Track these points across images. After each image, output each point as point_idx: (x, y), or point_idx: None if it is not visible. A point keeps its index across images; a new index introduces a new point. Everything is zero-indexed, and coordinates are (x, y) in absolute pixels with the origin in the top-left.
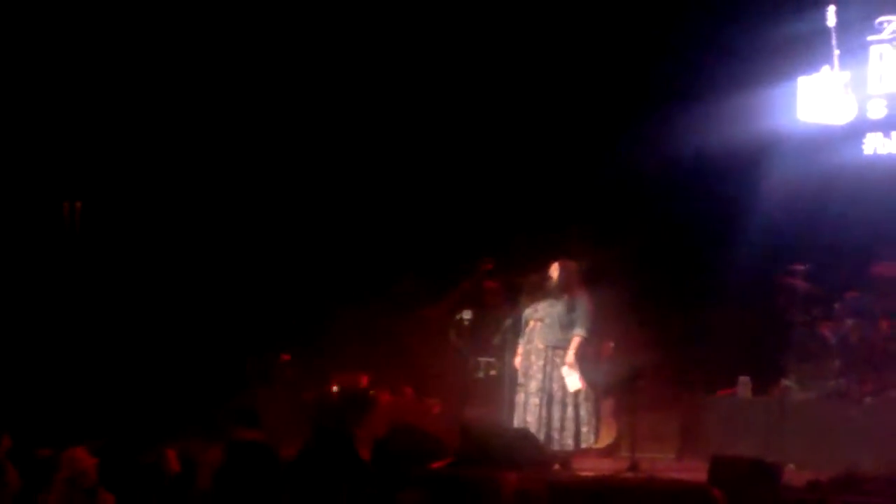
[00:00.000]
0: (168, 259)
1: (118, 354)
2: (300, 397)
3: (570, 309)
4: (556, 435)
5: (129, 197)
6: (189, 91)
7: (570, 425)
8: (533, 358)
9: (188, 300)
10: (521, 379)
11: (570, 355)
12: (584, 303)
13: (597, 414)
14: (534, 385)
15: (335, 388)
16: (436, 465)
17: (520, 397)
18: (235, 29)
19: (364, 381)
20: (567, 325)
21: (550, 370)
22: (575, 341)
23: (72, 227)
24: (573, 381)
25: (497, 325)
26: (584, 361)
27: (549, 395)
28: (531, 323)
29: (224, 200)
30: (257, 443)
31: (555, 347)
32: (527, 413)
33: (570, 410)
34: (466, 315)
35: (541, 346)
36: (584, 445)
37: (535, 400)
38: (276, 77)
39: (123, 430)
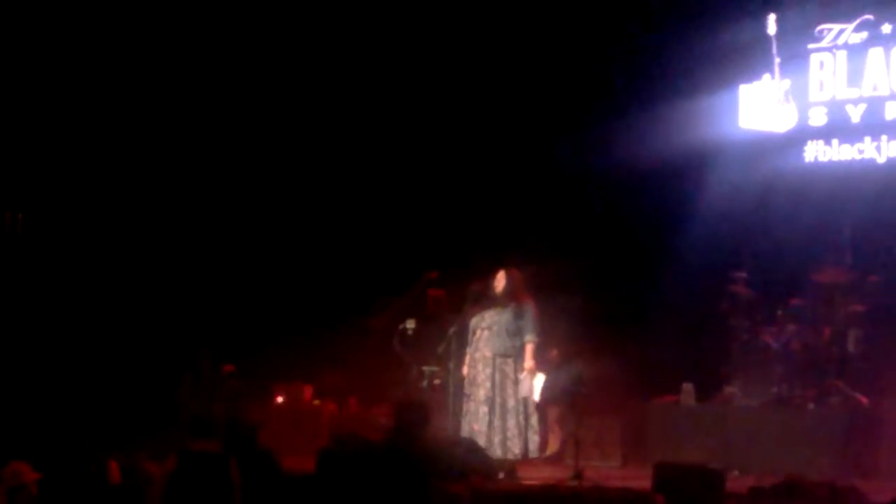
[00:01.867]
0: (110, 269)
1: (60, 366)
2: (244, 409)
3: (518, 316)
4: (505, 443)
5: (71, 208)
6: (131, 100)
7: (517, 433)
8: (480, 366)
9: (129, 311)
10: (467, 388)
11: (529, 362)
12: (530, 310)
13: (544, 424)
14: (482, 393)
15: (279, 399)
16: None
17: (468, 406)
18: (189, 28)
19: (308, 392)
20: (514, 333)
21: (499, 379)
22: (529, 348)
23: (13, 237)
24: (525, 387)
25: (441, 335)
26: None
27: (498, 404)
28: (478, 332)
29: (165, 212)
30: (211, 453)
31: (503, 356)
32: (474, 422)
33: (520, 419)
34: (410, 324)
35: (488, 354)
36: (531, 455)
37: (483, 408)
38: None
39: (66, 443)
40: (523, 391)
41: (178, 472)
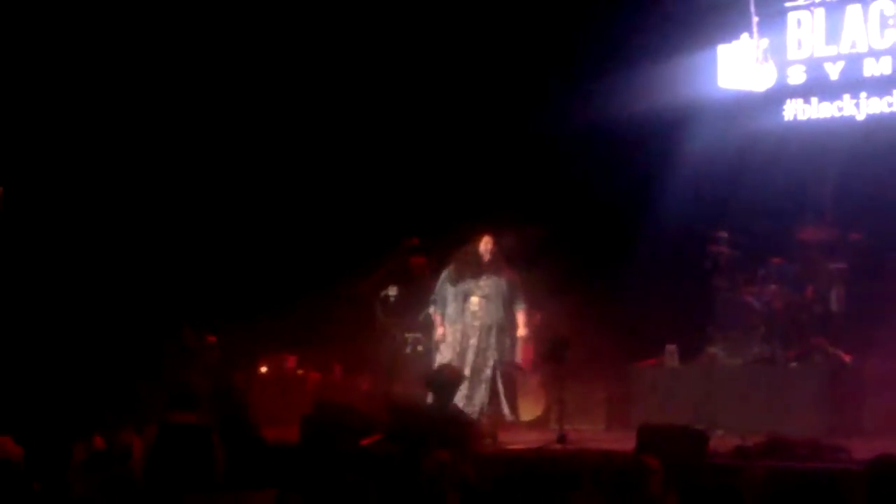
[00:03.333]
0: (92, 242)
1: (42, 340)
2: (227, 379)
3: (510, 285)
4: (484, 407)
5: (53, 181)
6: (111, 77)
7: (489, 400)
8: (465, 331)
9: (111, 284)
10: (449, 354)
11: (523, 329)
12: (517, 277)
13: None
14: (464, 360)
15: (263, 369)
16: (365, 441)
17: None
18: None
19: (292, 361)
20: (508, 302)
21: (483, 346)
22: (522, 315)
23: None
24: (518, 353)
25: (423, 301)
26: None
27: (478, 370)
28: (475, 299)
29: (147, 185)
30: (191, 425)
31: (499, 324)
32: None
33: (494, 385)
34: (392, 291)
35: (477, 323)
36: (508, 419)
37: (470, 374)
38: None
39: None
40: (515, 356)
41: (158, 444)
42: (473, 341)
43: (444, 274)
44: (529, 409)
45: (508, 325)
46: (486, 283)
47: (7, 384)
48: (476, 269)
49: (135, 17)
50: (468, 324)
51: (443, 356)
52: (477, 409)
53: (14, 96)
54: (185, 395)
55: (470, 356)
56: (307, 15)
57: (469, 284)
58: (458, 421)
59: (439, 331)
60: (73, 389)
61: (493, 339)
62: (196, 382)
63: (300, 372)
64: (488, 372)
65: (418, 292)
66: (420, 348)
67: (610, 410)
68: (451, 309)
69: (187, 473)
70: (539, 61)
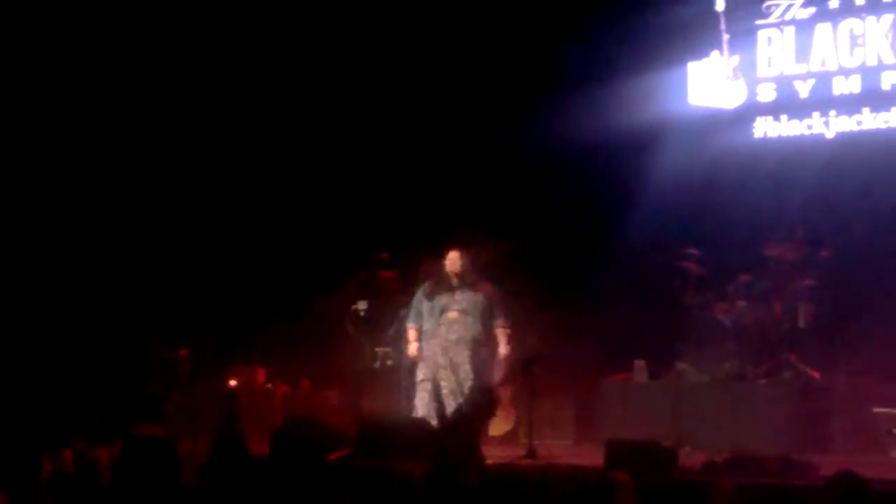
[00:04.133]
0: (64, 256)
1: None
2: (197, 392)
3: (485, 301)
4: (453, 422)
5: (25, 192)
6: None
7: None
8: (443, 348)
9: (83, 297)
10: (420, 368)
11: (504, 348)
12: (495, 292)
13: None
14: (430, 374)
15: (232, 383)
16: (334, 456)
17: (416, 385)
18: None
19: (261, 374)
20: (477, 319)
21: (451, 362)
22: (503, 334)
23: None
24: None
25: (393, 315)
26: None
27: (447, 385)
28: (452, 314)
29: (120, 198)
30: (156, 438)
31: (474, 339)
32: (422, 401)
33: (462, 398)
34: (362, 306)
35: (454, 337)
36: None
37: (431, 388)
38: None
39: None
40: (495, 376)
41: (123, 457)
42: (452, 356)
43: (420, 289)
44: (499, 424)
45: (484, 341)
46: (463, 297)
47: None
48: (450, 283)
49: (131, 17)
50: (445, 338)
51: (423, 373)
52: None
53: None
54: (152, 408)
55: (449, 373)
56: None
57: (445, 299)
58: (427, 435)
59: (412, 346)
60: (44, 402)
61: (468, 353)
62: (165, 395)
63: (269, 385)
64: (456, 386)
65: (388, 307)
66: (389, 362)
67: (579, 425)
68: (427, 324)
69: (153, 486)
70: (510, 79)
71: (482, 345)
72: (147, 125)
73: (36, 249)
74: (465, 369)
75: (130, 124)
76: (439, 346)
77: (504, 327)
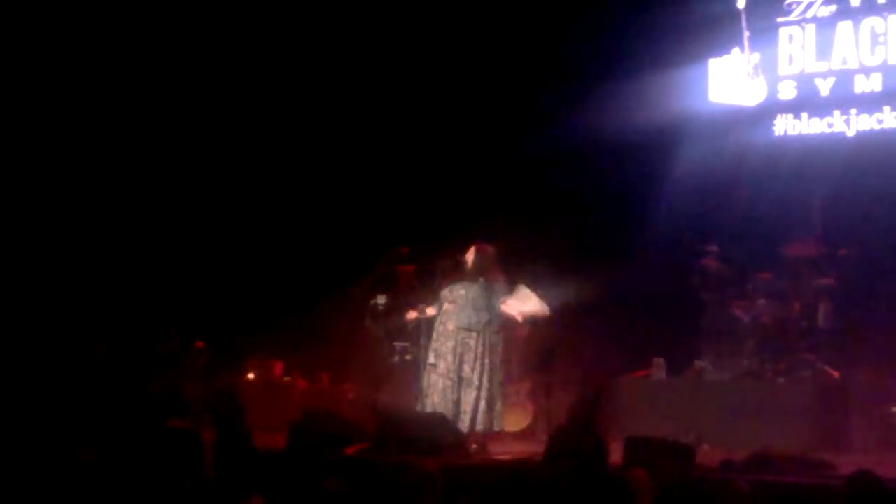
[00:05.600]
0: (81, 246)
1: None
2: (215, 385)
3: (487, 291)
4: (463, 417)
5: (43, 184)
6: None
7: (476, 407)
8: (443, 339)
9: (99, 286)
10: (431, 359)
11: (520, 316)
12: (501, 285)
13: (500, 399)
14: (442, 366)
15: (250, 376)
16: (351, 449)
17: (430, 378)
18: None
19: (279, 368)
20: (481, 308)
21: (461, 352)
22: (506, 309)
23: None
24: (530, 305)
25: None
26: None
27: (458, 378)
28: (445, 305)
29: (136, 190)
30: (184, 430)
31: (467, 329)
32: (434, 395)
33: (480, 393)
34: (381, 300)
35: (451, 327)
36: (493, 430)
37: (447, 382)
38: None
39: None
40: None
41: (150, 449)
42: (449, 345)
43: (436, 284)
44: (517, 420)
45: (480, 332)
46: (457, 289)
47: None
48: (456, 276)
49: (129, 16)
50: (442, 329)
51: (434, 363)
52: (469, 416)
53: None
54: (177, 401)
55: (447, 360)
56: (290, 31)
57: (446, 291)
58: (445, 429)
59: (429, 310)
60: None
61: (471, 343)
62: (186, 388)
63: (287, 379)
64: (473, 377)
65: (406, 301)
66: (408, 357)
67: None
68: (437, 318)
69: (179, 478)
70: (531, 75)
71: (470, 335)
72: (167, 113)
73: (59, 242)
74: (449, 359)
75: (150, 112)
76: (436, 336)
77: (507, 305)
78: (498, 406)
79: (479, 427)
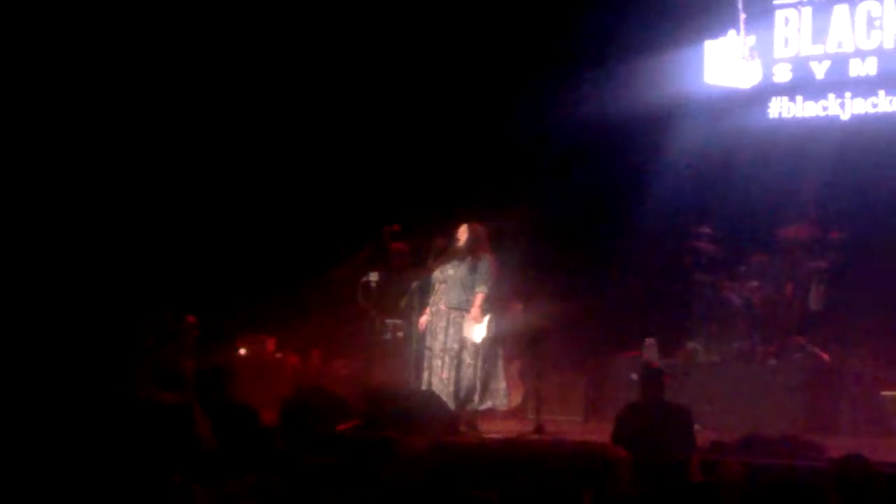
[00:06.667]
0: (73, 220)
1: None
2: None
3: (473, 270)
4: (460, 395)
5: (37, 161)
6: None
7: (470, 385)
8: (436, 319)
9: (93, 262)
10: (427, 341)
11: (474, 310)
12: (487, 263)
13: (501, 376)
14: (437, 345)
15: (242, 351)
16: (342, 427)
17: (424, 357)
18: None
19: (271, 344)
20: (469, 287)
21: (454, 331)
22: (478, 298)
23: None
24: (479, 332)
25: (404, 288)
26: (490, 321)
27: (452, 356)
28: (437, 285)
29: (129, 168)
30: (176, 405)
31: (457, 308)
32: (431, 374)
33: (471, 371)
34: (373, 277)
35: (443, 307)
36: (494, 406)
37: (437, 361)
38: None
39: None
40: (478, 336)
41: (143, 423)
42: (442, 324)
43: (428, 263)
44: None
45: (467, 309)
46: (447, 269)
47: None
48: (449, 255)
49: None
50: (435, 309)
51: (429, 344)
52: (463, 395)
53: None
54: (170, 376)
55: (439, 339)
56: (293, 13)
57: (437, 271)
58: (435, 407)
59: (422, 319)
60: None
61: (462, 322)
62: (178, 363)
63: (279, 355)
64: (466, 356)
65: (399, 278)
66: (400, 334)
67: (588, 401)
68: (431, 298)
69: (173, 452)
70: (526, 55)
71: (461, 314)
72: (161, 99)
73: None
74: (441, 338)
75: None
76: (430, 316)
77: (481, 293)
78: (494, 384)
79: (477, 406)
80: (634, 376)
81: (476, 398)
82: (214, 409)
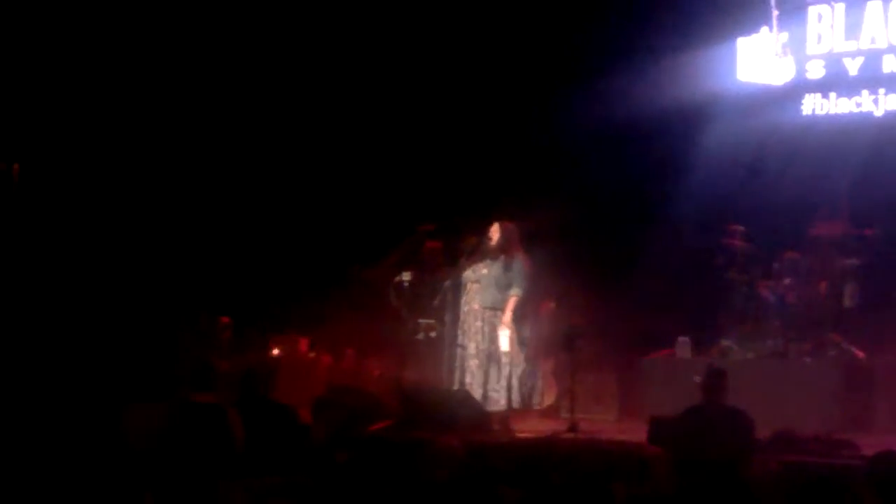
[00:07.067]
0: (106, 221)
1: (56, 318)
2: (241, 360)
3: (507, 269)
4: (493, 395)
5: (68, 160)
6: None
7: (504, 384)
8: (471, 319)
9: (127, 263)
10: (460, 339)
11: (507, 315)
12: (520, 263)
13: (537, 375)
14: (472, 346)
15: (276, 351)
16: (375, 426)
17: (459, 357)
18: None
19: (304, 344)
20: (504, 286)
21: (488, 331)
22: (511, 301)
23: (9, 189)
24: (504, 340)
25: (437, 287)
26: (522, 322)
27: (487, 356)
28: (469, 285)
29: (162, 163)
30: (212, 404)
31: (492, 308)
32: (465, 374)
33: (506, 370)
34: (406, 277)
35: (476, 307)
36: (527, 407)
37: (473, 361)
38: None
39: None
40: (504, 345)
41: (179, 423)
42: (477, 324)
43: (461, 262)
44: (542, 398)
45: (502, 309)
46: (480, 268)
47: (21, 364)
48: (481, 255)
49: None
50: (468, 309)
51: (462, 343)
52: (502, 395)
53: (28, 70)
54: (206, 376)
55: (476, 339)
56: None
57: (469, 271)
58: (469, 407)
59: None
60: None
61: (496, 322)
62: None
63: (312, 355)
64: (500, 355)
65: (432, 278)
66: (433, 334)
67: (622, 400)
68: (464, 297)
69: (208, 451)
70: (560, 53)
71: (496, 314)
72: (193, 97)
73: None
74: (477, 339)
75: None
76: (463, 316)
77: (515, 296)
78: (532, 383)
79: (503, 404)
80: (698, 378)
81: (511, 398)
82: (256, 408)
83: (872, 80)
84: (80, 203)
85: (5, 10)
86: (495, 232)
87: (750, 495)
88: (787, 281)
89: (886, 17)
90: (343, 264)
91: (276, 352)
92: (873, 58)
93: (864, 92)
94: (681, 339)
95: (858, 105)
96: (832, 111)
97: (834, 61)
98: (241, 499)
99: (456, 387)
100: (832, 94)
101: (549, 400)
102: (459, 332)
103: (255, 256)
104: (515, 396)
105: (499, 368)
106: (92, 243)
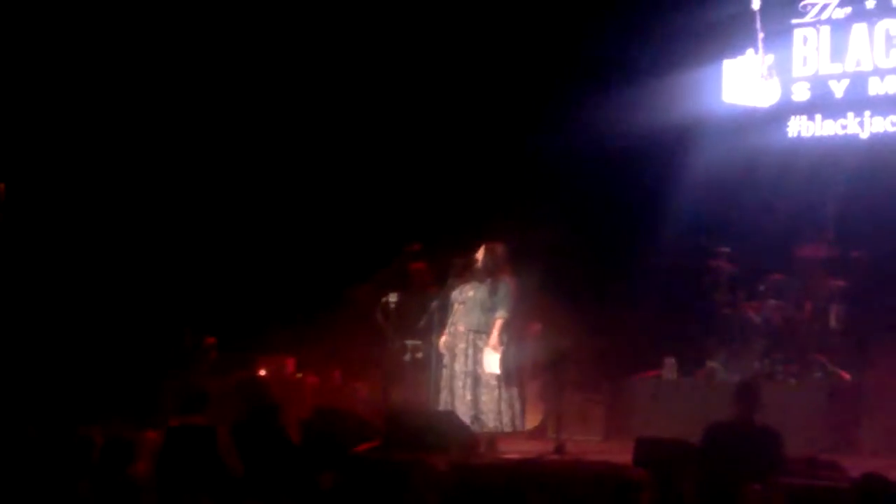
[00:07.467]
0: (93, 240)
1: (41, 339)
2: (226, 380)
3: (493, 292)
4: (481, 417)
5: (55, 179)
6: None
7: (494, 407)
8: (456, 341)
9: (112, 283)
10: (446, 361)
11: (494, 337)
12: (506, 285)
13: (522, 398)
14: (458, 367)
15: (262, 372)
16: (361, 447)
17: (445, 380)
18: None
19: (291, 364)
20: (489, 309)
21: (473, 353)
22: (497, 324)
23: None
24: (492, 363)
25: (423, 308)
26: (509, 344)
27: (474, 378)
28: (456, 306)
29: (149, 185)
30: (201, 426)
31: (476, 331)
32: (452, 396)
33: (495, 393)
34: (393, 297)
35: (461, 328)
36: (514, 429)
37: (458, 382)
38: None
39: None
40: (489, 367)
41: (167, 445)
42: (462, 346)
43: (448, 283)
44: (528, 419)
45: (490, 333)
46: (466, 290)
47: (5, 381)
48: (468, 276)
49: (140, 17)
50: (453, 330)
51: (447, 364)
52: (489, 417)
53: (17, 94)
54: (194, 397)
55: (460, 361)
56: (310, 23)
57: (456, 291)
58: (455, 428)
59: (441, 341)
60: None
61: (481, 344)
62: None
63: (298, 375)
64: (486, 377)
65: (419, 299)
66: (419, 355)
67: (608, 421)
68: (450, 318)
69: (199, 474)
70: (545, 75)
71: (480, 336)
72: (182, 115)
73: (71, 239)
74: (462, 360)
75: (171, 114)
76: (448, 337)
77: (501, 318)
78: (515, 406)
79: (491, 426)
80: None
81: (498, 420)
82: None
83: (858, 102)
84: (67, 222)
85: None
86: (482, 254)
87: None
88: (772, 302)
89: (872, 39)
90: (330, 285)
91: (262, 372)
92: (859, 80)
93: (850, 114)
94: (667, 359)
95: (844, 127)
96: (818, 133)
97: (819, 83)
98: None
99: (442, 408)
100: (818, 117)
101: (533, 422)
102: (445, 351)
103: (242, 276)
104: (505, 419)
105: (488, 391)
106: (78, 261)
